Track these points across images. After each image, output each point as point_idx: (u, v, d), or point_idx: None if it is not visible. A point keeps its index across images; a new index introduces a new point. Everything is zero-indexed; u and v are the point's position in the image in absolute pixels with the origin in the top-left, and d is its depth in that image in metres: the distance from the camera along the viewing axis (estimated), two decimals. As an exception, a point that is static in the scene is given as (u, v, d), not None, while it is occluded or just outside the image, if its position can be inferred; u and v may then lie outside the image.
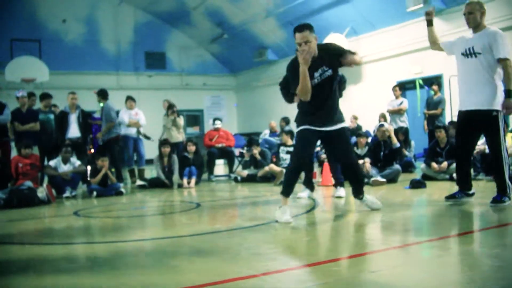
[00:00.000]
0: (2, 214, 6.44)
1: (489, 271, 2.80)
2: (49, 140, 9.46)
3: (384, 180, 7.88)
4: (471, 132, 5.19)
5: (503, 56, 4.87)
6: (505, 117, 5.13)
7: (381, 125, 8.68)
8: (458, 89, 5.30)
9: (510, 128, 8.52)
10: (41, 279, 3.06)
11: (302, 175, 6.51)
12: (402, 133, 10.73)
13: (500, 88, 4.98)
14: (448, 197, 5.37)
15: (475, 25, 5.06)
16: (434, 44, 5.46)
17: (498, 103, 4.95)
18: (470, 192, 5.36)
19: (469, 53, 5.04)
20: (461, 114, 5.22)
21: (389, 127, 8.93)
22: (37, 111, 9.51)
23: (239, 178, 9.78)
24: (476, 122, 5.07)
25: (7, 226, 5.64)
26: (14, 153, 9.07)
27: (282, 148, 9.58)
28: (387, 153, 8.41)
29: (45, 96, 9.87)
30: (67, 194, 8.10)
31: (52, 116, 9.69)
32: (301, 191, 6.63)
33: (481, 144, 8.05)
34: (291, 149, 9.41)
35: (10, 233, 5.16)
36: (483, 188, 6.91)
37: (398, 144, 8.53)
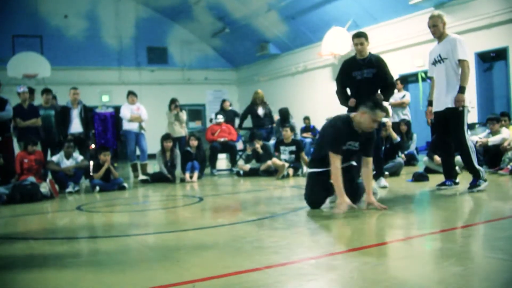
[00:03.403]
0: (5, 210, 6.47)
1: (492, 263, 2.80)
2: (49, 136, 9.47)
3: (386, 173, 7.87)
4: (446, 129, 5.82)
5: (462, 57, 5.58)
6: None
7: (383, 124, 8.66)
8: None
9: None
10: (45, 274, 3.07)
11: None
12: (405, 123, 10.70)
13: None
14: (439, 185, 5.97)
15: (439, 35, 5.81)
16: (433, 87, 6.10)
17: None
18: (457, 180, 6.01)
19: (437, 60, 5.81)
20: (436, 114, 5.92)
21: (387, 122, 8.88)
22: (38, 107, 9.51)
23: (241, 172, 9.79)
24: (447, 118, 5.73)
25: (10, 222, 5.66)
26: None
27: (282, 148, 9.47)
28: (388, 147, 8.42)
29: (45, 92, 9.86)
30: (70, 189, 8.12)
31: (52, 112, 9.68)
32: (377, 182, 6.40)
33: (483, 137, 8.06)
34: (293, 147, 9.38)
35: (13, 228, 5.17)
36: (486, 181, 6.91)
37: (398, 139, 8.59)
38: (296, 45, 17.51)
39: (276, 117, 11.86)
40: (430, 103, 6.13)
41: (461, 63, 5.59)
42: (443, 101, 5.73)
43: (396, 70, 13.60)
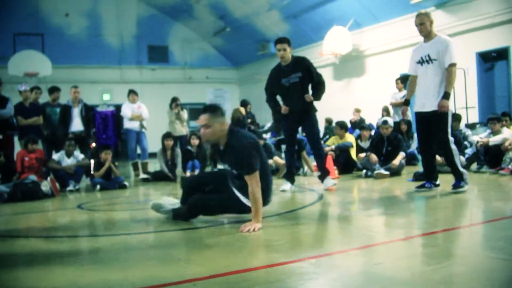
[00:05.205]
0: (6, 208, 6.47)
1: (493, 263, 2.80)
2: (54, 134, 9.49)
3: (387, 173, 7.88)
4: (429, 130, 5.77)
5: (453, 61, 5.50)
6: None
7: (385, 122, 8.64)
8: (416, 92, 5.90)
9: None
10: (46, 272, 3.07)
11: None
12: (406, 123, 10.71)
13: None
14: (419, 187, 5.96)
15: (426, 33, 5.71)
16: (414, 86, 5.97)
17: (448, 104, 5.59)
18: (437, 182, 5.95)
19: (425, 60, 5.65)
20: (419, 114, 5.80)
21: (388, 127, 8.74)
22: (40, 105, 9.52)
23: (242, 171, 9.75)
24: (431, 121, 5.68)
25: (11, 220, 5.66)
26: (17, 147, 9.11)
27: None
28: (390, 150, 8.36)
29: (52, 90, 9.88)
30: (70, 187, 8.13)
31: (58, 110, 9.68)
32: (283, 183, 6.77)
33: (484, 137, 8.05)
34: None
35: (14, 227, 5.18)
36: (486, 180, 6.91)
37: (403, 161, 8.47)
38: (297, 45, 17.45)
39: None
40: (407, 102, 6.06)
41: (451, 67, 5.51)
42: (430, 103, 5.63)
43: (397, 70, 13.64)
